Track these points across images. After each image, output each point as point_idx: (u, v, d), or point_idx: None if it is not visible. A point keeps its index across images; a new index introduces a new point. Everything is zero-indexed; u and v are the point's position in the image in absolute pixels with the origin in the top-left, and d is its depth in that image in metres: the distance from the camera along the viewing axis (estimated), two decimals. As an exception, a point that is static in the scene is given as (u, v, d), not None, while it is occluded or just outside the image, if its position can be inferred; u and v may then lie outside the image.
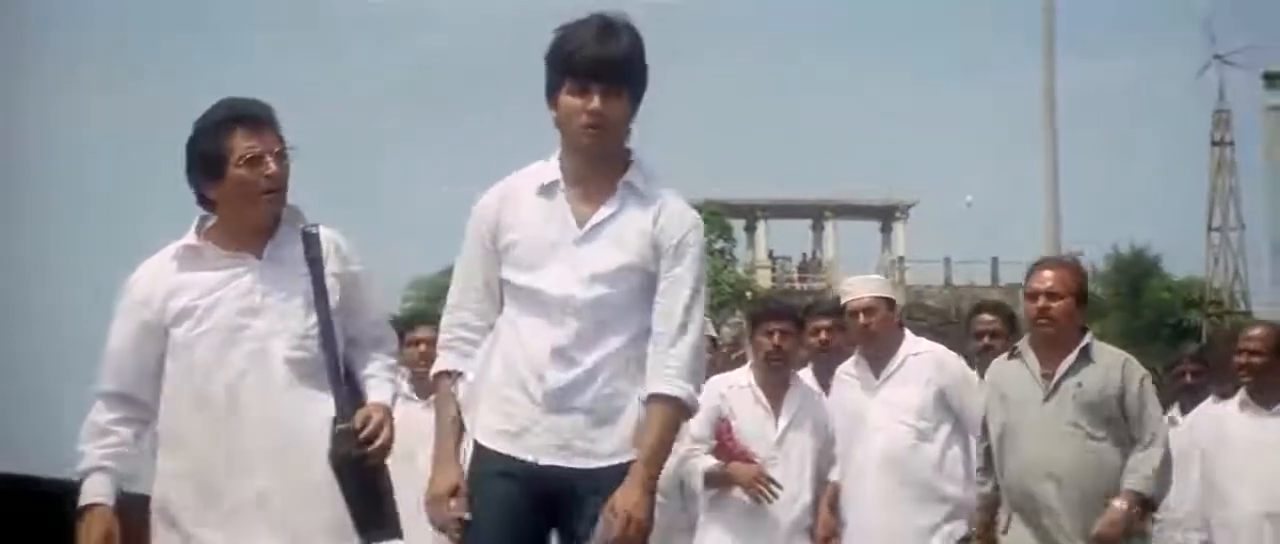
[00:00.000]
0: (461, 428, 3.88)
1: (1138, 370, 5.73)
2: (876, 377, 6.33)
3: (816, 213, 54.98)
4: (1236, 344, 6.98)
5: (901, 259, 52.40)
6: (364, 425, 3.89)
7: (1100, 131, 74.80)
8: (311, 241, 3.97)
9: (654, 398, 3.80)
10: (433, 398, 4.11)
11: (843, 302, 6.50)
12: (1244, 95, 42.87)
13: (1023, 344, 5.83)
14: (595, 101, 3.76)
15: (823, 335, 6.77)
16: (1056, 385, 5.66)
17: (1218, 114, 45.41)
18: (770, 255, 54.76)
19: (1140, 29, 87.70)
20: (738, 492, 6.24)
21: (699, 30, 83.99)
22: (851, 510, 6.29)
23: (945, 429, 6.21)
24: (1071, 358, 5.67)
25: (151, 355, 3.94)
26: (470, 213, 3.97)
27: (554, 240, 3.84)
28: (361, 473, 3.88)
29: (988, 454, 5.86)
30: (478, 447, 3.86)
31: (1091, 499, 5.55)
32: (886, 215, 55.35)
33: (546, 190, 3.88)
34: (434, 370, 4.01)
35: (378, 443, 3.90)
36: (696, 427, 5.98)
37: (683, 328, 3.82)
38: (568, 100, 3.80)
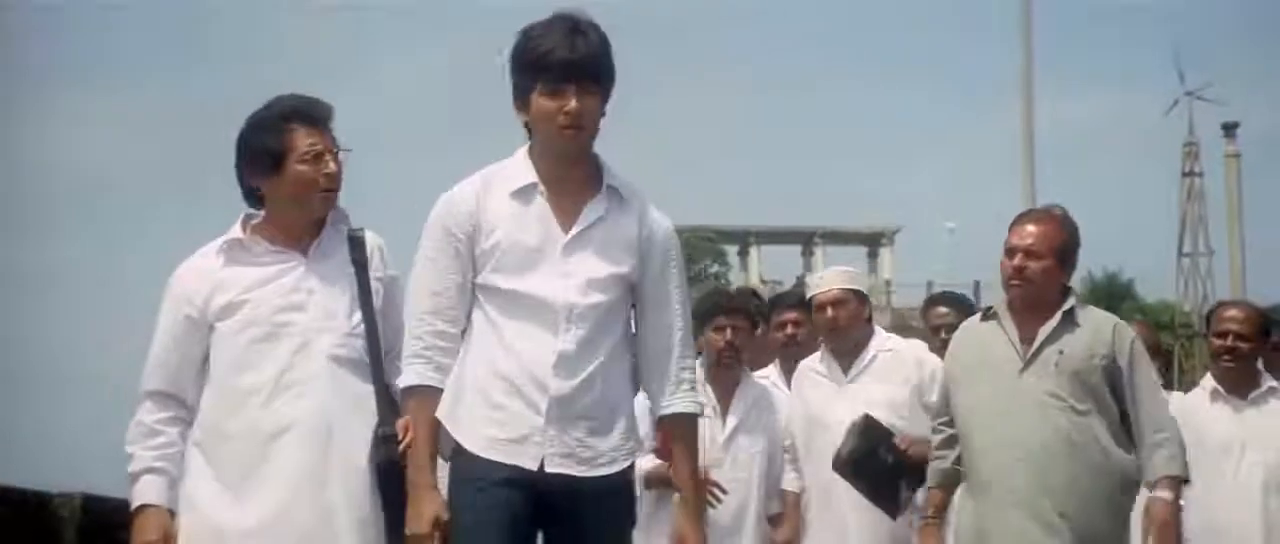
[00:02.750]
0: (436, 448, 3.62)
1: (1128, 333, 4.84)
2: (845, 373, 5.58)
3: (806, 239, 55.23)
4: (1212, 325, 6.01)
5: (888, 283, 52.23)
6: (404, 433, 3.66)
7: (1076, 161, 74.78)
8: (358, 244, 3.80)
9: (678, 418, 3.70)
10: None
11: (810, 294, 5.75)
12: (1213, 127, 42.76)
13: (999, 306, 4.92)
14: (572, 102, 3.54)
15: (789, 329, 6.05)
16: (1036, 353, 4.76)
17: (1187, 146, 45.32)
18: (762, 279, 54.48)
19: (1116, 64, 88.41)
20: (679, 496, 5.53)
21: (695, 60, 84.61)
22: (819, 512, 5.55)
23: (921, 427, 5.36)
24: (1053, 322, 4.77)
25: (195, 353, 3.75)
26: (440, 205, 3.66)
27: (536, 245, 3.58)
28: (399, 479, 3.63)
29: (946, 424, 5.00)
30: (466, 456, 3.57)
31: (1072, 479, 4.67)
32: (873, 241, 55.54)
33: (523, 193, 3.61)
34: (404, 383, 3.65)
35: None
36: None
37: (685, 341, 3.71)
38: (542, 103, 3.56)
